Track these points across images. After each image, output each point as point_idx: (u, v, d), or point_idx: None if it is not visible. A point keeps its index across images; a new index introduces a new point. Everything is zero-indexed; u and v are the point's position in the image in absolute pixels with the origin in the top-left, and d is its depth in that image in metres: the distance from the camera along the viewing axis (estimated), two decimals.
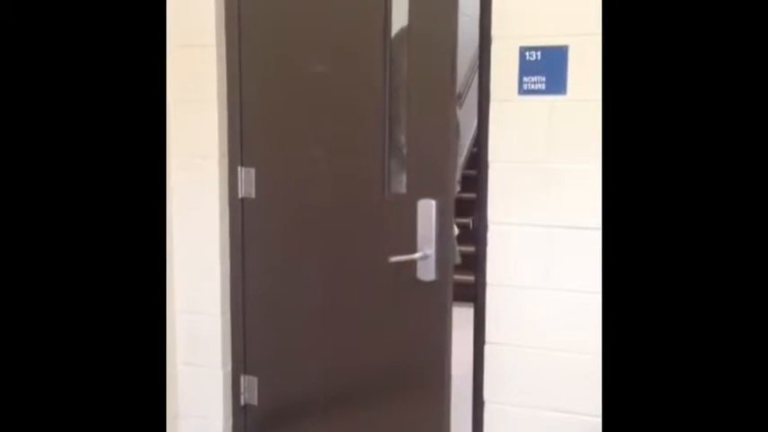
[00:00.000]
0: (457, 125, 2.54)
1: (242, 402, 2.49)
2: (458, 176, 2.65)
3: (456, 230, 3.76)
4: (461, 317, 2.81)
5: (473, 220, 2.22)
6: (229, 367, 2.47)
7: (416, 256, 2.18)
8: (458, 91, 7.02)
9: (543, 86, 2.02)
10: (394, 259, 2.18)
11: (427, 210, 2.17)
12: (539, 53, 2.01)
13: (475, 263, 2.18)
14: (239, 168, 2.37)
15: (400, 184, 2.24)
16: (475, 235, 2.18)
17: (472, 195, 2.21)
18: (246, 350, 2.46)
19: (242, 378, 2.47)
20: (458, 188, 2.57)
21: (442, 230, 2.17)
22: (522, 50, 2.03)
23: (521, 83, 2.05)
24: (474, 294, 2.20)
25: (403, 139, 2.22)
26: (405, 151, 2.24)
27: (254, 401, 2.48)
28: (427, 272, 2.18)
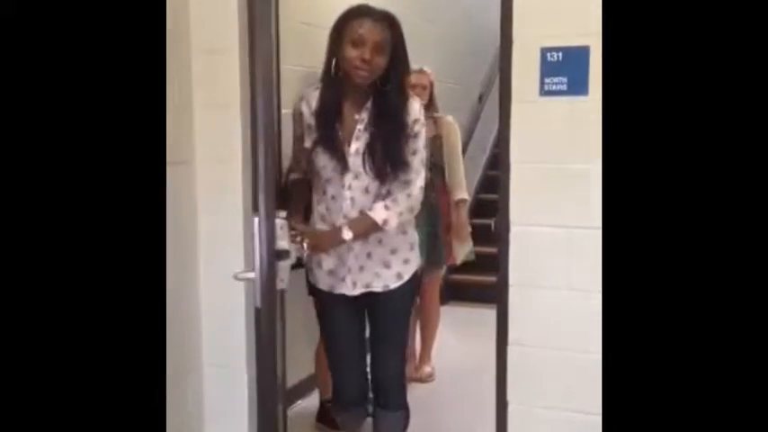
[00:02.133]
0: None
1: None
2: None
3: (468, 228, 3.75)
4: (484, 318, 2.81)
5: (495, 221, 2.22)
6: (254, 369, 2.49)
7: (241, 275, 1.88)
8: (479, 91, 6.92)
9: (565, 87, 2.02)
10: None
11: (253, 226, 1.86)
12: (560, 54, 2.01)
13: (497, 264, 2.18)
14: None
15: None
16: (497, 236, 2.18)
17: (494, 196, 2.20)
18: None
19: None
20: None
21: (265, 252, 1.83)
22: (544, 51, 2.03)
23: (542, 84, 2.04)
24: (496, 295, 2.19)
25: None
26: None
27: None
28: (255, 297, 1.83)
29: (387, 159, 2.14)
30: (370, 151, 2.14)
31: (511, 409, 2.19)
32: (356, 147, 2.16)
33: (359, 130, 2.17)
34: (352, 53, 2.08)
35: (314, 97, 2.21)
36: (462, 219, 3.65)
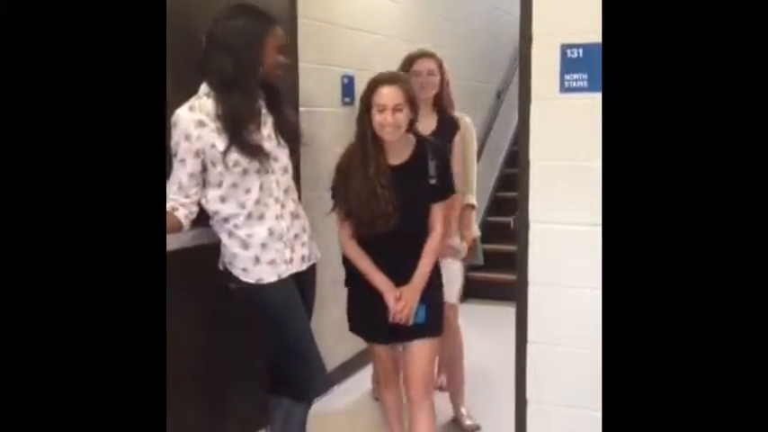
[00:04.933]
0: (297, 131, 2.36)
1: None
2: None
3: (477, 232, 3.57)
4: (504, 316, 2.80)
5: (514, 219, 2.21)
6: None
7: None
8: (497, 88, 6.84)
9: (585, 84, 2.00)
10: None
11: None
12: (580, 50, 2.00)
13: (516, 262, 2.17)
14: None
15: None
16: (516, 234, 2.17)
17: (513, 194, 2.19)
18: None
19: None
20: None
21: None
22: (564, 48, 2.02)
23: (562, 81, 2.03)
24: (515, 293, 2.19)
25: None
26: None
27: None
28: None
29: (292, 132, 2.32)
30: (279, 130, 2.26)
31: (530, 407, 2.18)
32: (267, 132, 2.22)
33: (264, 114, 2.23)
34: (278, 59, 2.22)
35: (208, 104, 2.14)
36: (470, 221, 3.28)
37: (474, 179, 3.38)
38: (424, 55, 2.97)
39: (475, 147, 3.43)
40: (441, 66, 2.96)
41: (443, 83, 2.96)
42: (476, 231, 3.61)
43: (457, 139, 2.92)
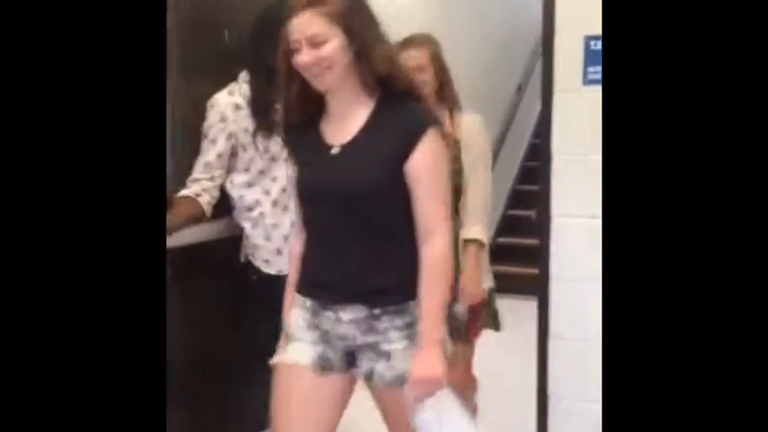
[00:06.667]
0: None
1: None
2: None
3: (490, 282, 2.41)
4: (526, 310, 2.79)
5: (536, 213, 2.19)
6: None
7: None
8: (518, 82, 6.79)
9: None
10: None
11: None
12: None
13: (539, 256, 2.15)
14: None
15: None
16: (538, 228, 2.16)
17: (534, 187, 2.18)
18: None
19: None
20: None
21: None
22: (587, 39, 2.00)
23: (585, 73, 2.01)
24: (537, 288, 2.17)
25: None
26: None
27: None
28: None
29: None
30: None
31: (552, 401, 2.17)
32: None
33: None
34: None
35: (246, 89, 2.16)
36: (472, 269, 2.27)
37: (482, 202, 2.30)
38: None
39: (486, 155, 2.34)
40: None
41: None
42: (487, 281, 2.39)
43: (431, 146, 1.58)
